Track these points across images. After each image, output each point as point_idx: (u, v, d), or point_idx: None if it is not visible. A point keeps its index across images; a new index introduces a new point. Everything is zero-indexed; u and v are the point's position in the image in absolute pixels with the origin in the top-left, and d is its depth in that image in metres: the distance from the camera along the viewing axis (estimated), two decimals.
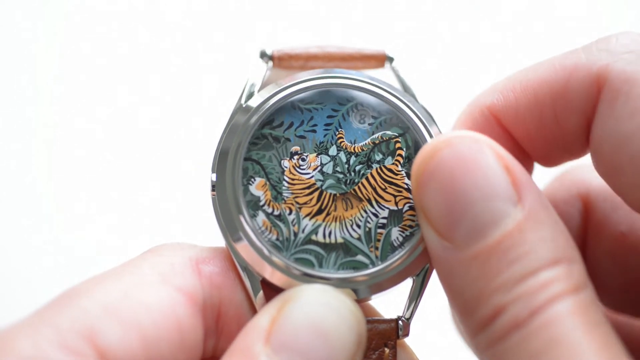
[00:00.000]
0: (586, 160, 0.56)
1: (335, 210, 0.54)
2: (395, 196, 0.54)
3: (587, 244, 0.61)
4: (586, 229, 0.61)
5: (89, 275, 0.50)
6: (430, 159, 0.49)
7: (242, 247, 0.53)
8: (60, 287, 0.49)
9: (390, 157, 0.55)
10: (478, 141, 0.49)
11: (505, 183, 0.48)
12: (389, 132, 0.56)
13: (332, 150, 0.55)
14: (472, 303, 0.48)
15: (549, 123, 0.54)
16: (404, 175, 0.55)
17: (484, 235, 0.47)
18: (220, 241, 0.54)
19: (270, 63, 0.58)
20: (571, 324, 0.45)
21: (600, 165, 0.52)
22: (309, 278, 0.52)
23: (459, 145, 0.49)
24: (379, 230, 0.54)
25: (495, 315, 0.47)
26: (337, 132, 0.55)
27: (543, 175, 0.60)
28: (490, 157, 0.49)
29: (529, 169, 0.58)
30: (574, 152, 0.55)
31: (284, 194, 0.54)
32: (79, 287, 0.49)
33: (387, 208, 0.54)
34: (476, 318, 0.48)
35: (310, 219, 0.54)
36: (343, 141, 0.55)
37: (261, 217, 0.53)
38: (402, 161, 0.55)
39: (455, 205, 0.48)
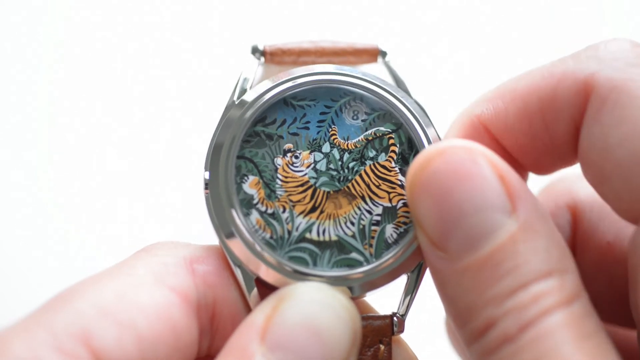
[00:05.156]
0: (573, 170, 0.56)
1: (329, 207, 0.54)
2: (389, 193, 0.54)
3: (576, 254, 0.60)
4: (575, 239, 0.61)
5: (86, 275, 0.50)
6: (423, 169, 0.49)
7: (236, 246, 0.52)
8: (58, 287, 0.49)
9: (383, 154, 0.55)
10: (471, 150, 0.49)
11: (499, 193, 0.48)
12: (382, 129, 0.55)
13: (326, 147, 0.55)
14: (465, 314, 0.48)
15: (539, 131, 0.53)
16: (398, 171, 0.55)
17: (477, 247, 0.47)
18: (214, 239, 0.54)
19: (263, 59, 0.57)
20: (561, 338, 0.45)
21: (589, 173, 0.52)
22: (304, 276, 0.52)
23: (451, 155, 0.48)
24: (373, 228, 0.54)
25: (487, 328, 0.47)
26: (330, 129, 0.55)
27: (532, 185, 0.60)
28: (484, 167, 0.48)
29: (523, 177, 0.58)
30: (565, 160, 0.55)
31: (277, 192, 0.54)
32: (73, 289, 0.49)
33: (381, 205, 0.54)
34: (469, 329, 0.48)
35: (304, 216, 0.54)
36: (336, 138, 0.55)
37: (255, 215, 0.53)
38: (395, 157, 0.55)
39: (448, 217, 0.48)
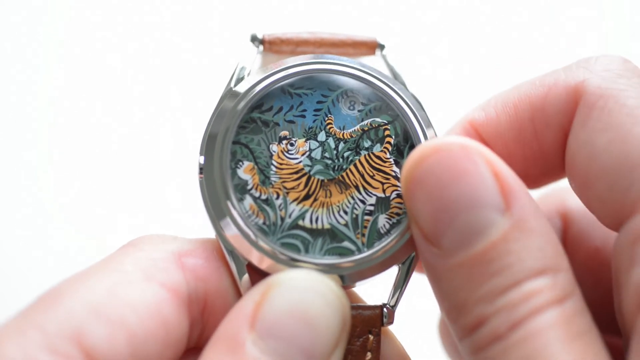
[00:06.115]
0: (564, 183, 0.57)
1: (322, 196, 0.54)
2: (382, 183, 0.54)
3: None
4: (565, 245, 0.61)
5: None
6: (418, 165, 0.49)
7: (229, 231, 0.52)
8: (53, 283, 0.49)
9: (378, 144, 0.55)
10: (466, 147, 0.48)
11: (493, 191, 0.47)
12: (378, 119, 0.55)
13: (321, 136, 0.55)
14: (457, 309, 0.48)
15: (528, 138, 0.54)
16: (392, 162, 0.55)
17: (470, 244, 0.47)
18: (204, 230, 0.53)
19: (261, 47, 0.57)
20: (551, 337, 0.45)
21: (574, 179, 0.52)
22: (295, 263, 0.52)
23: (446, 152, 0.48)
24: (366, 217, 0.54)
25: (478, 325, 0.47)
26: (326, 118, 0.55)
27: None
28: (478, 164, 0.48)
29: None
30: (552, 172, 0.56)
31: (271, 179, 0.54)
32: (63, 286, 0.48)
33: (375, 195, 0.54)
34: (460, 324, 0.48)
35: (298, 204, 0.54)
36: (332, 127, 0.55)
37: (248, 201, 0.53)
38: (390, 148, 0.55)
39: (441, 213, 0.48)
